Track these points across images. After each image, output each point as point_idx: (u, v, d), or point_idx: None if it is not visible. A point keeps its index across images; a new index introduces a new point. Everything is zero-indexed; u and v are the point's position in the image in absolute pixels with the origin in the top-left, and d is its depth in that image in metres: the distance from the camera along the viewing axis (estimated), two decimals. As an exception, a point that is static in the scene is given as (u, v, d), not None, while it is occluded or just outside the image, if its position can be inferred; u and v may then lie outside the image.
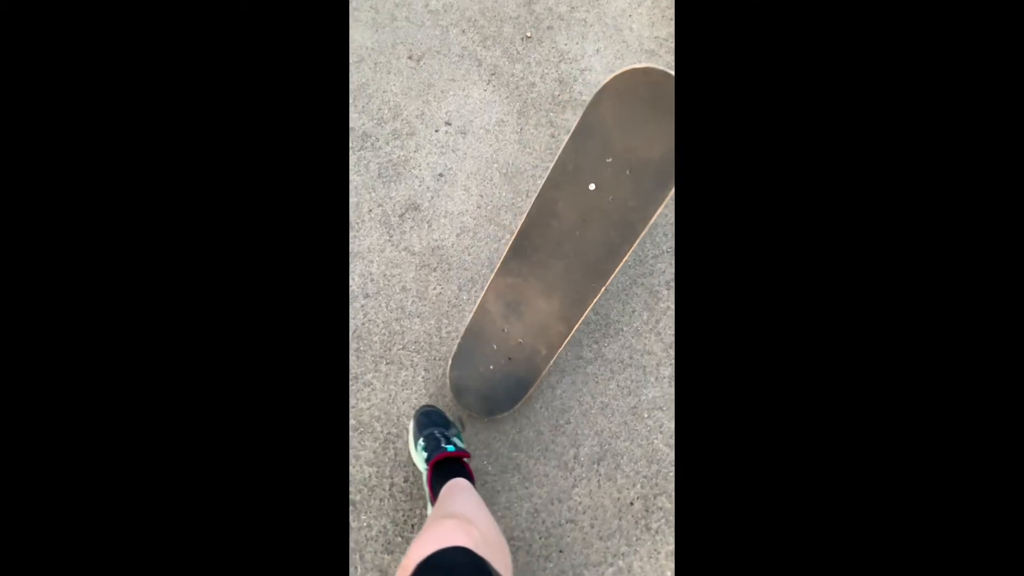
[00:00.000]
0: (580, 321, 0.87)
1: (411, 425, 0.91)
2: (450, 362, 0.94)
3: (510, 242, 0.89)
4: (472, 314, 0.92)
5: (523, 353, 0.91)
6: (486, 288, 0.91)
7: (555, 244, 0.87)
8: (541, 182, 1.18)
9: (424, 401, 0.95)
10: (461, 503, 0.68)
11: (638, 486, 0.91)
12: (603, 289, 0.85)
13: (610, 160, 0.82)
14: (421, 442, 0.85)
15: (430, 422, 0.89)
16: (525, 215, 0.87)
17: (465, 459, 0.83)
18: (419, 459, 0.85)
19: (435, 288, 1.03)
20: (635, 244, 0.84)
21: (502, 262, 0.89)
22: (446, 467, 0.80)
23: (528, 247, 0.88)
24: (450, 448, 0.81)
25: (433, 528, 0.57)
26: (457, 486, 0.74)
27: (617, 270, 0.85)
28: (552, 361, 0.90)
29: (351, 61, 1.25)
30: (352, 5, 1.32)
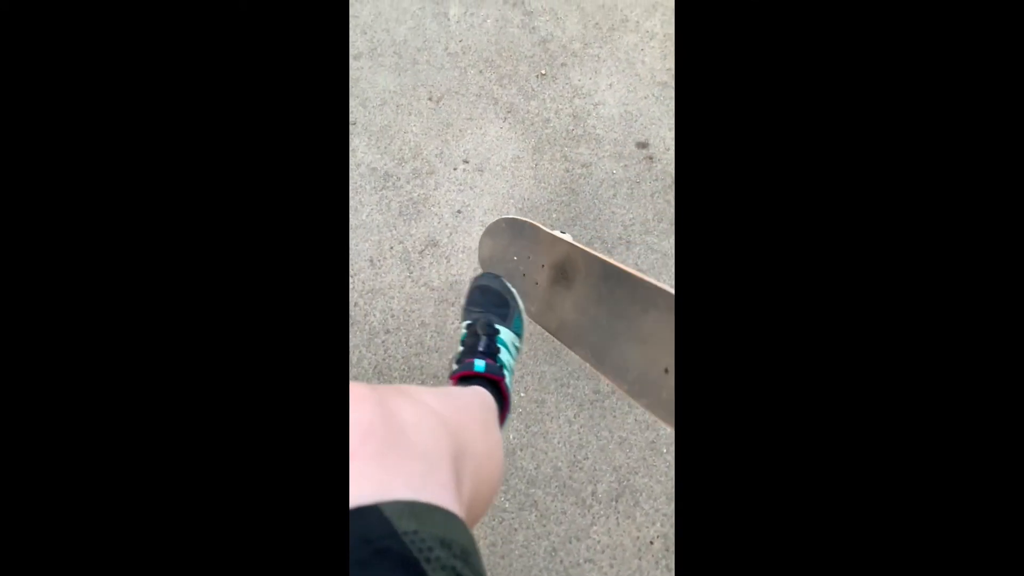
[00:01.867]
0: (563, 345, 0.83)
1: (467, 291, 0.79)
2: (508, 215, 0.96)
3: (611, 251, 0.83)
4: (548, 231, 0.88)
5: (529, 288, 0.88)
6: (569, 236, 0.86)
7: (618, 311, 0.75)
8: (556, 216, 1.20)
9: None
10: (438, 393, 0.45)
11: (658, 524, 0.89)
12: (584, 364, 0.78)
13: None
14: (464, 329, 0.73)
15: (482, 300, 0.76)
16: (635, 265, 0.79)
17: (498, 380, 0.68)
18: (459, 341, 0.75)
19: (453, 323, 1.05)
20: (633, 402, 0.77)
21: (594, 250, 0.81)
22: (474, 381, 0.68)
23: (612, 277, 0.77)
24: (479, 366, 0.68)
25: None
26: (469, 392, 0.59)
27: (602, 380, 0.79)
28: (530, 320, 0.89)
29: (375, 105, 1.31)
30: (376, 51, 1.39)
